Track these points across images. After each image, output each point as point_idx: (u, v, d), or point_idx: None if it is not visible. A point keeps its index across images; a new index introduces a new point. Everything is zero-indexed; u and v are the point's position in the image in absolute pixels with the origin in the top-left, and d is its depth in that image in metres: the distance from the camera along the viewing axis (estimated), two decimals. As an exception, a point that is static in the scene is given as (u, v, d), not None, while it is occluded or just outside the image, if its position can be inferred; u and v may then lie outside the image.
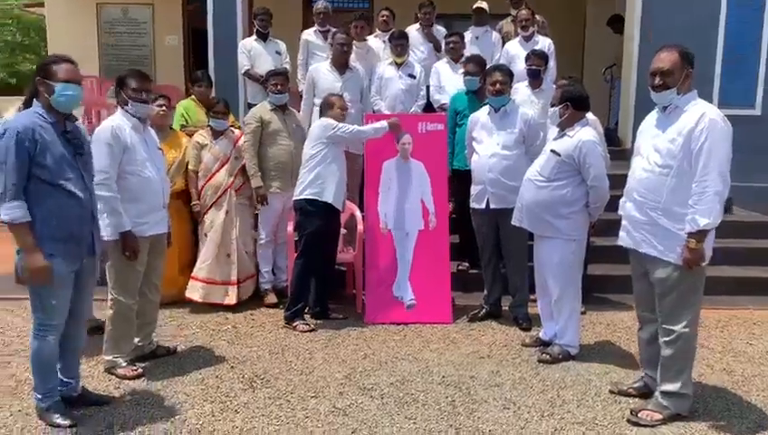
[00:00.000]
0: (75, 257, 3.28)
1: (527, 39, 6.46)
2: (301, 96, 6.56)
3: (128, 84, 3.88)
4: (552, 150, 4.10)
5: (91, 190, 3.36)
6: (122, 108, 3.91)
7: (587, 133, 4.06)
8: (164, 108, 5.01)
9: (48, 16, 11.06)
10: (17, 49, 25.01)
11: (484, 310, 5.03)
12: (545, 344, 4.38)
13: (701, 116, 3.23)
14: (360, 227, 5.21)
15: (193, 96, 5.82)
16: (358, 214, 5.33)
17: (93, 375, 3.87)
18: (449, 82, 6.15)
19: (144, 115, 3.96)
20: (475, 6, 6.85)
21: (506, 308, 5.06)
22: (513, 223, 4.36)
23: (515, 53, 6.40)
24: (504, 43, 6.75)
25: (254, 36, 6.48)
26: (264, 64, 6.06)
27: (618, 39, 8.84)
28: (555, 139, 4.18)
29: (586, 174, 4.03)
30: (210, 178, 5.17)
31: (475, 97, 5.31)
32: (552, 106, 4.12)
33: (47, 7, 11.02)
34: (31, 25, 23.34)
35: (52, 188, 3.15)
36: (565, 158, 4.03)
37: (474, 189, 4.88)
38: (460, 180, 5.26)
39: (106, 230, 3.73)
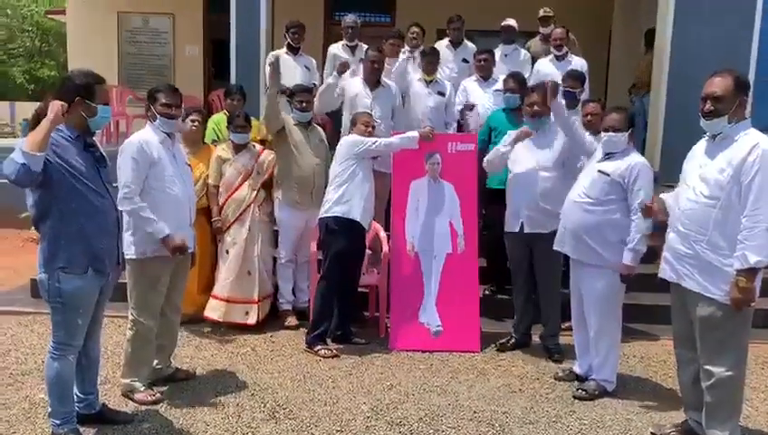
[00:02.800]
0: (104, 273, 3.23)
1: (560, 58, 6.30)
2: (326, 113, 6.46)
3: (158, 99, 3.78)
4: (600, 171, 3.92)
5: (115, 203, 3.33)
6: (151, 122, 3.80)
7: (638, 156, 3.92)
8: (197, 123, 4.89)
9: (69, 24, 11.07)
10: (36, 55, 25.23)
11: (513, 339, 4.83)
12: (579, 379, 4.20)
13: (753, 146, 3.06)
14: (386, 247, 5.05)
15: (225, 110, 5.70)
16: (382, 234, 5.17)
17: (109, 399, 3.71)
18: (478, 101, 5.98)
19: (173, 131, 3.84)
20: (503, 24, 6.73)
21: (536, 335, 4.86)
22: (555, 247, 4.19)
23: (548, 72, 6.22)
24: (533, 62, 6.60)
25: (285, 49, 6.36)
26: (293, 78, 5.93)
27: (639, 58, 8.72)
28: (600, 160, 4.00)
29: (634, 197, 3.82)
30: (233, 193, 5.03)
31: (513, 115, 5.15)
32: (617, 131, 3.88)
33: (68, 15, 11.03)
34: (50, 32, 23.52)
35: (80, 204, 3.09)
36: (616, 178, 3.85)
37: (508, 211, 4.68)
38: (493, 200, 5.08)
39: (128, 248, 3.62)
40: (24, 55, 24.96)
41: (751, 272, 3.01)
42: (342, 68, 5.63)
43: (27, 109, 11.30)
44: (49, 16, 16.90)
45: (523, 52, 6.72)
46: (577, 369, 4.25)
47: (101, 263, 3.19)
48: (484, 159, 4.82)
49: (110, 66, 10.36)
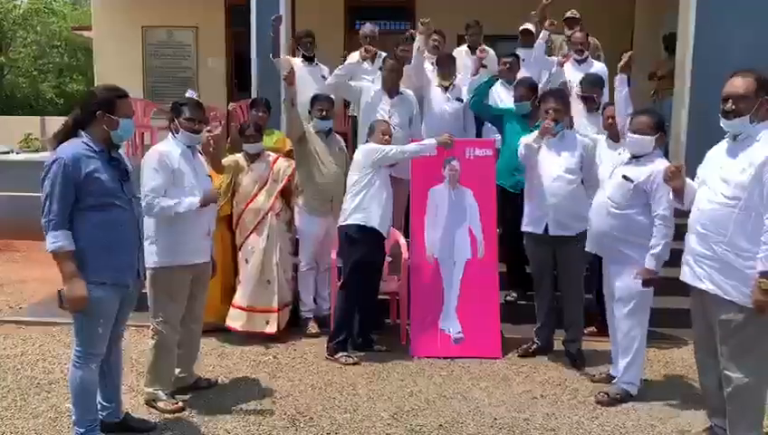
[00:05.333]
0: (123, 285, 3.27)
1: (580, 62, 6.26)
2: (346, 116, 6.47)
3: (182, 113, 3.84)
4: (624, 176, 3.89)
5: (137, 215, 3.36)
6: (173, 135, 3.86)
7: (662, 162, 3.86)
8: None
9: (95, 39, 11.28)
10: (65, 70, 25.75)
11: (535, 345, 4.79)
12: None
13: None
14: (406, 254, 5.05)
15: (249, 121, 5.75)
16: (402, 241, 5.18)
17: (133, 408, 3.76)
18: (504, 103, 5.92)
19: (195, 144, 3.90)
20: (522, 28, 6.70)
21: (558, 341, 4.80)
22: (586, 248, 4.20)
23: (567, 75, 6.20)
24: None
25: (300, 58, 6.42)
26: (309, 88, 5.96)
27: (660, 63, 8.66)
28: (625, 164, 3.97)
29: (657, 204, 3.79)
30: (250, 202, 5.07)
31: (525, 121, 5.13)
32: (644, 134, 3.86)
33: (94, 30, 11.25)
34: (78, 47, 23.99)
35: (102, 216, 3.14)
36: (639, 184, 3.83)
37: (531, 213, 4.63)
38: (506, 203, 5.07)
39: (149, 258, 3.68)
40: (53, 71, 25.50)
41: None
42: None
43: (57, 123, 11.54)
44: (76, 32, 17.24)
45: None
46: (612, 371, 4.23)
47: (121, 275, 3.24)
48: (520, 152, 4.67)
49: (136, 79, 10.55)
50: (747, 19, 6.86)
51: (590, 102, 5.32)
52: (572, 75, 6.14)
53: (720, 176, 3.18)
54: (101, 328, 3.20)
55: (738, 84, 3.12)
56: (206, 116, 4.08)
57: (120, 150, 3.39)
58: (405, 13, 10.56)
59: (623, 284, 3.96)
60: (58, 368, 4.40)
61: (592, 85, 5.36)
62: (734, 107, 3.11)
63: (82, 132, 3.18)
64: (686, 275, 3.32)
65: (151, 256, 3.71)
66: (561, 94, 4.70)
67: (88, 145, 3.16)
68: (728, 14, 6.87)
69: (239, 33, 9.75)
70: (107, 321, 3.23)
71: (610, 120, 4.77)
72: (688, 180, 3.45)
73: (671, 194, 3.58)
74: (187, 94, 4.36)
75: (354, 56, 6.40)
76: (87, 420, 3.26)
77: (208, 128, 4.81)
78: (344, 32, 10.59)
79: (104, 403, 3.44)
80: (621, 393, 4.00)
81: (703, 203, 3.23)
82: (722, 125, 3.21)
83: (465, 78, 6.21)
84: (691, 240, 3.28)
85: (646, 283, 3.85)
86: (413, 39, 6.05)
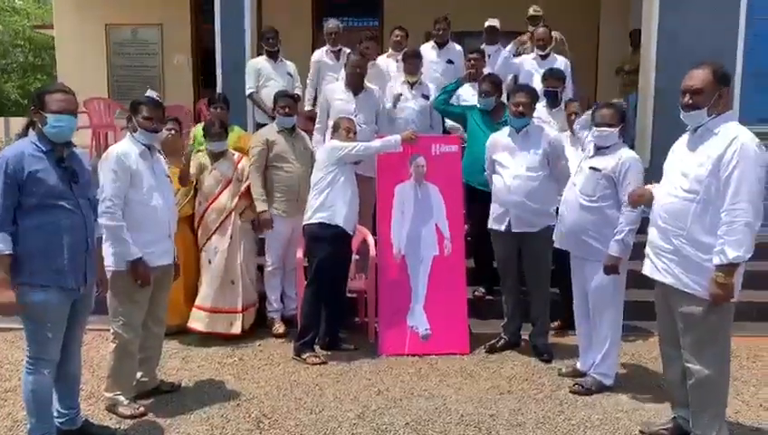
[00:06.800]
0: (71, 288, 3.16)
1: (543, 57, 6.28)
2: (309, 117, 6.42)
3: (140, 111, 3.75)
4: (592, 167, 3.93)
5: (87, 218, 3.23)
6: (131, 134, 3.77)
7: (628, 151, 3.96)
8: (173, 131, 4.86)
9: (57, 38, 11.05)
10: (29, 70, 25.27)
11: (502, 340, 4.80)
12: (582, 376, 4.18)
13: (732, 140, 3.02)
14: (373, 252, 5.02)
15: (209, 119, 5.67)
16: (370, 239, 5.14)
17: (94, 414, 3.68)
18: (468, 101, 5.93)
19: (152, 143, 3.82)
20: (486, 24, 6.72)
21: (525, 335, 4.82)
22: (555, 245, 4.21)
23: (530, 69, 6.22)
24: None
25: (264, 56, 6.34)
26: (275, 86, 5.90)
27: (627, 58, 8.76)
28: (591, 156, 4.01)
29: (624, 191, 3.81)
30: (213, 202, 4.99)
31: (489, 117, 5.12)
32: (608, 126, 3.92)
33: (56, 28, 11.02)
34: (42, 46, 23.58)
35: (45, 218, 3.05)
36: (608, 173, 3.87)
37: (494, 210, 4.65)
38: (474, 200, 5.07)
39: (109, 260, 3.59)
40: (17, 71, 25.01)
41: (730, 267, 2.97)
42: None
43: (21, 124, 11.28)
44: (39, 31, 16.89)
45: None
46: (579, 366, 4.25)
47: (63, 278, 3.11)
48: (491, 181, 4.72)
49: (100, 79, 10.38)
50: (710, 14, 6.94)
51: (553, 97, 5.33)
52: (535, 71, 6.15)
53: (680, 169, 3.19)
54: (50, 332, 3.09)
55: (695, 77, 3.14)
56: (165, 115, 4.00)
57: (78, 150, 3.31)
58: (372, 8, 10.52)
59: (597, 278, 3.97)
60: (15, 375, 4.26)
61: (555, 80, 5.37)
62: (691, 100, 3.13)
63: (31, 132, 3.10)
64: (647, 268, 3.34)
65: (110, 258, 3.61)
66: (529, 89, 4.70)
67: (36, 145, 3.08)
68: (691, 8, 6.94)
69: (204, 30, 9.62)
70: (55, 325, 3.12)
71: (573, 116, 4.81)
72: (655, 188, 3.45)
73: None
74: (146, 94, 4.29)
75: (317, 54, 6.36)
76: (42, 427, 3.17)
77: (168, 126, 4.75)
78: (312, 28, 10.50)
79: (62, 410, 3.35)
80: (595, 385, 4.03)
81: (663, 197, 3.25)
82: (682, 118, 3.23)
83: (430, 75, 6.21)
84: (652, 233, 3.29)
85: (608, 269, 3.87)
86: (374, 37, 6.03)
